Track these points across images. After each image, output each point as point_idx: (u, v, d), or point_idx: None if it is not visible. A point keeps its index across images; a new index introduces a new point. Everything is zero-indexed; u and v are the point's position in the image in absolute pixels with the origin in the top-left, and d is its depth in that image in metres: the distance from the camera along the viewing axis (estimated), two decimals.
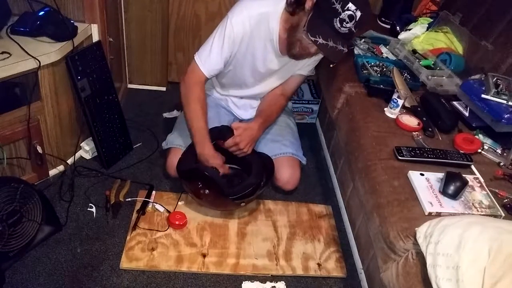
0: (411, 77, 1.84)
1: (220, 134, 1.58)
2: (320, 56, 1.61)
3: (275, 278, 1.52)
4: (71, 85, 1.66)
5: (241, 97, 1.78)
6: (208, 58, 1.51)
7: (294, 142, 1.77)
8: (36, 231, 1.44)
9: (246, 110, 1.81)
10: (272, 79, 1.67)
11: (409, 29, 2.10)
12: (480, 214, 1.21)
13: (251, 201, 1.70)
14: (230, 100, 1.80)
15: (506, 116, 1.47)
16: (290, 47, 1.42)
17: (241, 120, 1.83)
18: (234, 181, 1.62)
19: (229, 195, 1.53)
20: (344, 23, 1.27)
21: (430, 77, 1.77)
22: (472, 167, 1.41)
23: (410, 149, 1.42)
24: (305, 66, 1.65)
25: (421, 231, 1.12)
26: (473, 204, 1.24)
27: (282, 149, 1.71)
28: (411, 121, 1.59)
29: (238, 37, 1.47)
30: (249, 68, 1.59)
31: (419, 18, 2.16)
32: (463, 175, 1.30)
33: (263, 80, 1.67)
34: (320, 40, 1.28)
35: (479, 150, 1.49)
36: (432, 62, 1.86)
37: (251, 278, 1.50)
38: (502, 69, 1.70)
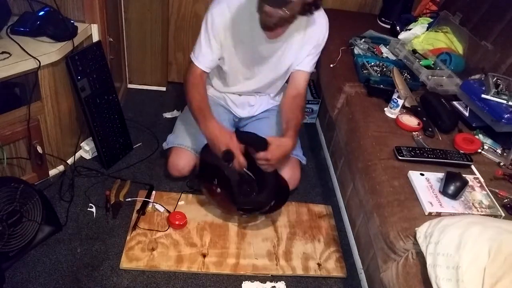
0: (411, 77, 1.84)
1: (255, 142, 1.54)
2: (318, 49, 1.63)
3: (275, 278, 1.52)
4: (71, 85, 1.66)
5: (240, 94, 1.79)
6: (200, 53, 1.58)
7: None
8: (36, 231, 1.44)
9: (244, 108, 1.82)
10: (265, 70, 1.67)
11: (409, 29, 2.10)
12: (480, 214, 1.22)
13: (253, 216, 1.70)
14: (229, 98, 1.81)
15: (506, 116, 1.47)
16: (263, 21, 1.40)
17: (240, 119, 1.85)
18: (243, 187, 1.62)
19: (237, 203, 1.54)
20: None
21: (430, 77, 1.77)
22: (472, 167, 1.41)
23: (410, 149, 1.42)
24: (304, 58, 1.64)
25: (421, 231, 1.12)
26: (473, 204, 1.24)
27: None
28: (411, 121, 1.59)
29: (220, 26, 1.53)
30: (240, 56, 1.61)
31: (419, 18, 2.17)
32: (463, 175, 1.30)
33: (256, 69, 1.66)
34: None
35: (479, 150, 1.49)
36: (432, 62, 1.86)
37: (251, 278, 1.50)
38: (502, 69, 1.70)
